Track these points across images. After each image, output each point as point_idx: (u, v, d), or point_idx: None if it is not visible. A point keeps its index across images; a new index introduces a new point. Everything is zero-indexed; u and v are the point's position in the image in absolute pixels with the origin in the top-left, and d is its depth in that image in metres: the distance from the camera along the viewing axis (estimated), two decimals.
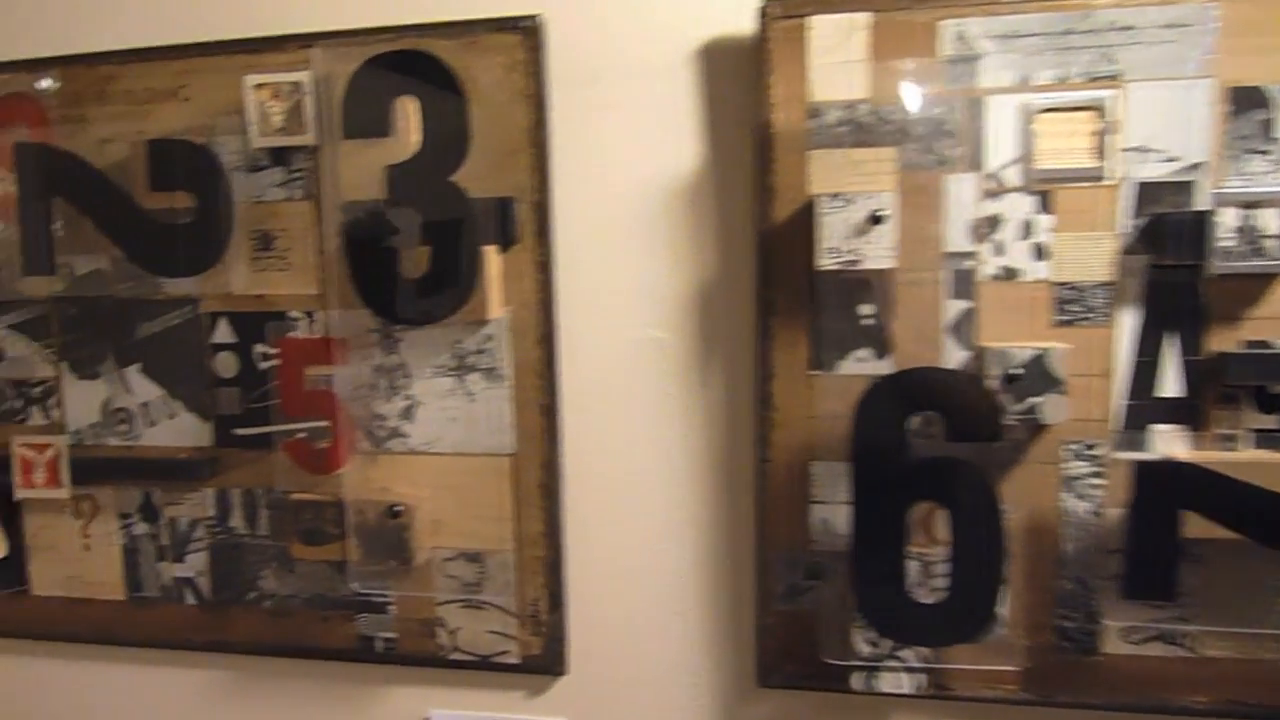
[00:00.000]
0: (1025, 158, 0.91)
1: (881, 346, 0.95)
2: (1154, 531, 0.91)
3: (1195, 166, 0.88)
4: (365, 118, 0.98)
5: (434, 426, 1.04)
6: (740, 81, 0.97)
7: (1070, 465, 0.93)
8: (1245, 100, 0.87)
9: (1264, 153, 0.87)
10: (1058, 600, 0.94)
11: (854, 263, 0.91)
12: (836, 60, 0.92)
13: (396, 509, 1.02)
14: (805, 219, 0.94)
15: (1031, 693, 0.96)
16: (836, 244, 0.92)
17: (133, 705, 1.18)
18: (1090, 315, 0.91)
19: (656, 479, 1.03)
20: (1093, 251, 0.91)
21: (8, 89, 1.09)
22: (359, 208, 1.00)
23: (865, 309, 0.95)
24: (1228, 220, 0.85)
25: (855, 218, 0.91)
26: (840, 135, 0.94)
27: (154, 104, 1.07)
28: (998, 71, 0.91)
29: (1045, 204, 0.91)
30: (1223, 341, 0.89)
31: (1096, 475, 0.92)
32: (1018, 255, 0.92)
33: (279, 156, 1.04)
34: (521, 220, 1.00)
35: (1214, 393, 0.90)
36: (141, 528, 1.13)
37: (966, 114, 0.91)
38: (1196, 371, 0.90)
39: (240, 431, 1.09)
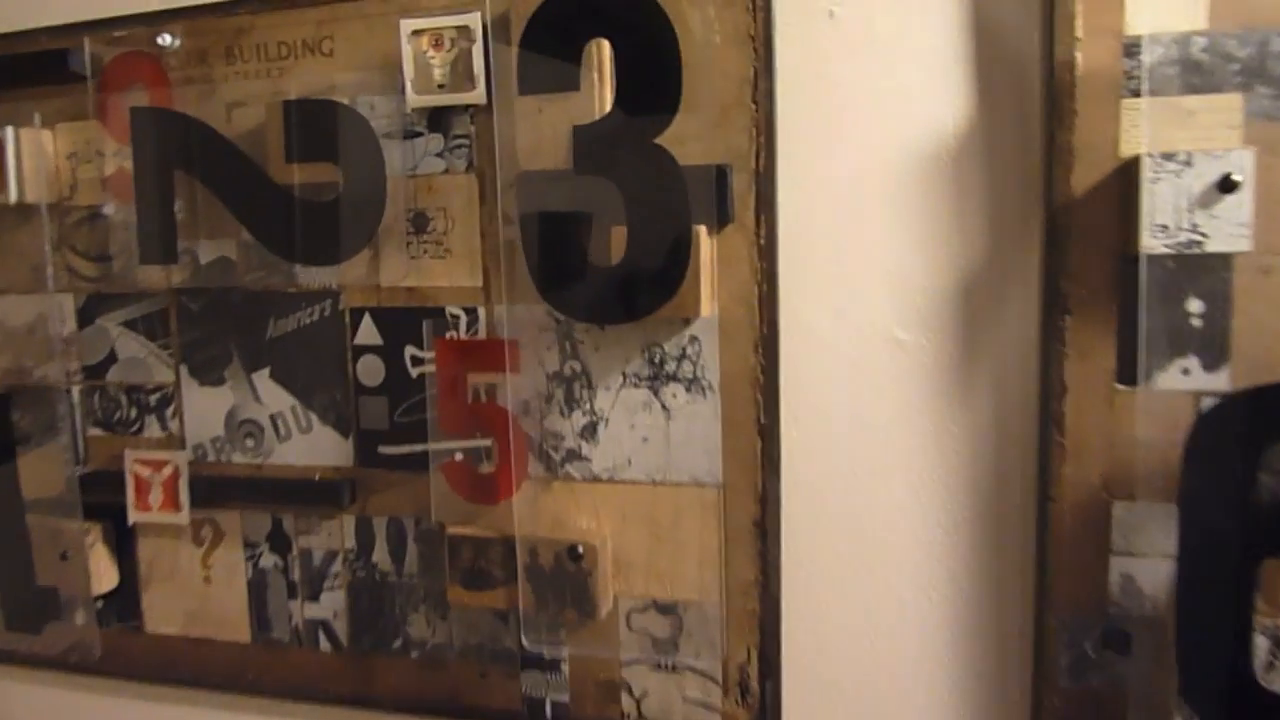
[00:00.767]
0: None
1: (1216, 354, 0.72)
2: None
3: None
4: (547, 68, 0.79)
5: (621, 448, 0.85)
6: (1026, 10, 0.75)
7: None
8: None
9: None
10: None
11: (1194, 244, 0.69)
12: None
13: (579, 550, 0.83)
14: (1118, 188, 0.72)
15: None
16: (1167, 220, 0.69)
17: None
18: None
19: (901, 519, 0.82)
20: None
21: (123, 47, 0.93)
22: (538, 179, 0.81)
23: (1194, 305, 0.73)
24: None
25: (1196, 186, 0.69)
26: (1167, 78, 0.71)
27: (292, 60, 0.90)
28: None
29: None
30: None
31: None
32: None
33: (436, 120, 0.86)
34: (738, 194, 0.79)
35: None
36: (270, 559, 0.97)
37: None
38: None
39: (386, 450, 0.91)
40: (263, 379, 0.95)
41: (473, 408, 0.86)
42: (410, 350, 0.90)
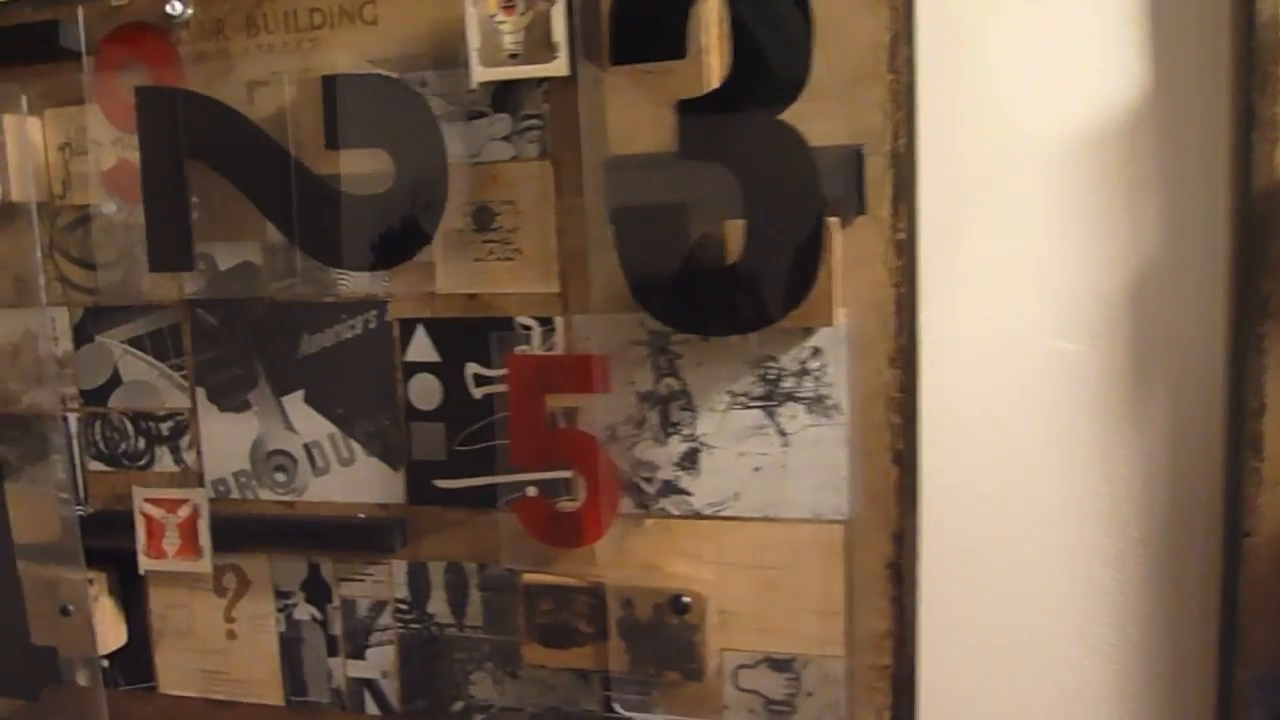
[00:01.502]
0: None
1: None
2: None
3: None
4: (647, 33, 0.66)
5: (728, 479, 0.72)
6: None
7: None
8: None
9: None
10: None
11: None
12: None
13: (684, 601, 0.70)
14: None
15: None
16: None
17: None
18: None
19: (1060, 560, 0.70)
20: None
21: (125, 18, 0.79)
22: (634, 165, 0.68)
23: None
24: None
25: None
26: None
27: (326, 30, 0.76)
28: None
29: None
30: None
31: None
32: None
33: (502, 97, 0.73)
34: (871, 180, 0.67)
35: None
36: (305, 611, 0.84)
37: None
38: None
39: (444, 484, 0.78)
40: (295, 403, 0.81)
41: (552, 435, 0.73)
42: (473, 368, 0.77)
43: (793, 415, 0.71)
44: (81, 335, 0.86)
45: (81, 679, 0.90)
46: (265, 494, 0.83)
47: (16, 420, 0.88)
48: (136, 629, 0.88)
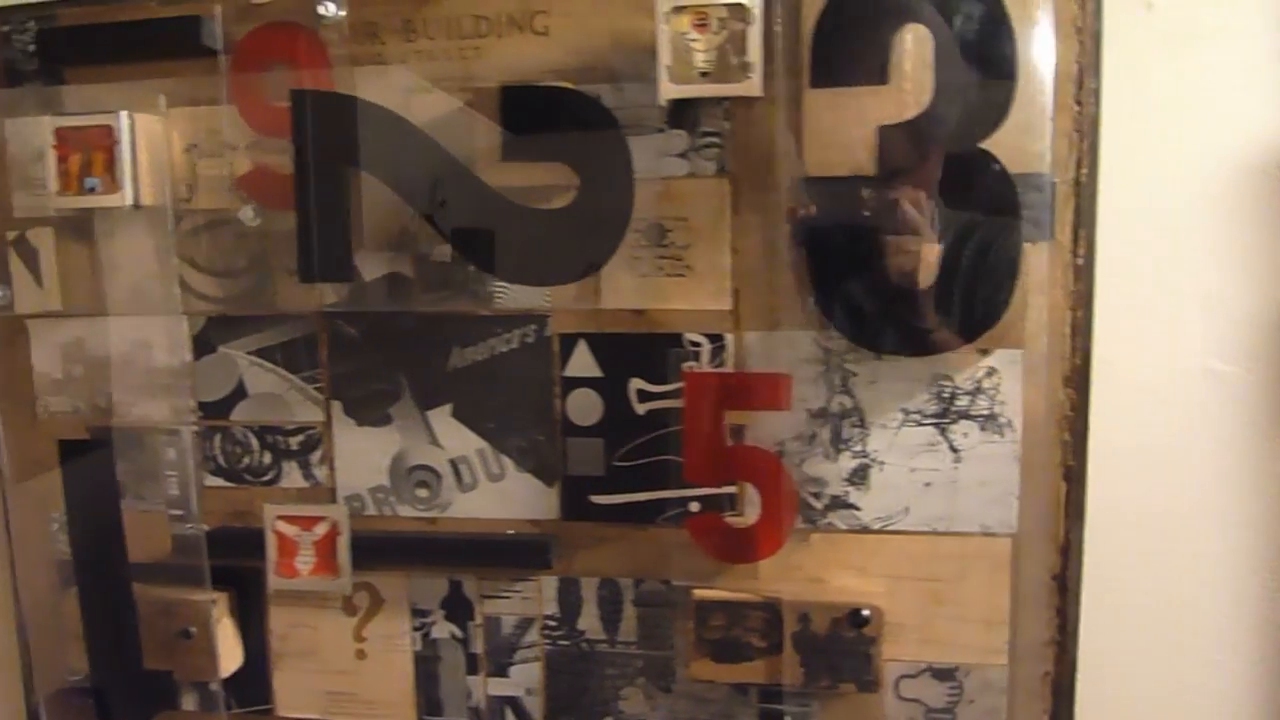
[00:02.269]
0: None
1: None
2: None
3: None
4: (850, 58, 0.67)
5: (898, 495, 0.74)
6: None
7: None
8: None
9: None
10: None
11: None
12: None
13: (864, 615, 0.72)
14: None
15: None
16: None
17: None
18: None
19: (1212, 568, 0.74)
20: None
21: (264, 16, 0.76)
22: (835, 186, 0.69)
23: None
24: None
25: None
26: None
27: (493, 38, 0.75)
28: None
29: None
30: None
31: None
32: None
33: (680, 115, 0.73)
34: (1054, 207, 0.70)
35: None
36: (444, 629, 0.82)
37: None
38: None
39: (602, 500, 0.78)
40: (442, 418, 0.80)
41: (729, 451, 0.74)
42: (637, 384, 0.76)
43: (965, 433, 0.73)
44: (202, 345, 0.82)
45: (188, 703, 0.86)
46: (405, 510, 0.81)
47: (124, 434, 0.83)
48: (252, 650, 0.85)
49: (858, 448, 0.74)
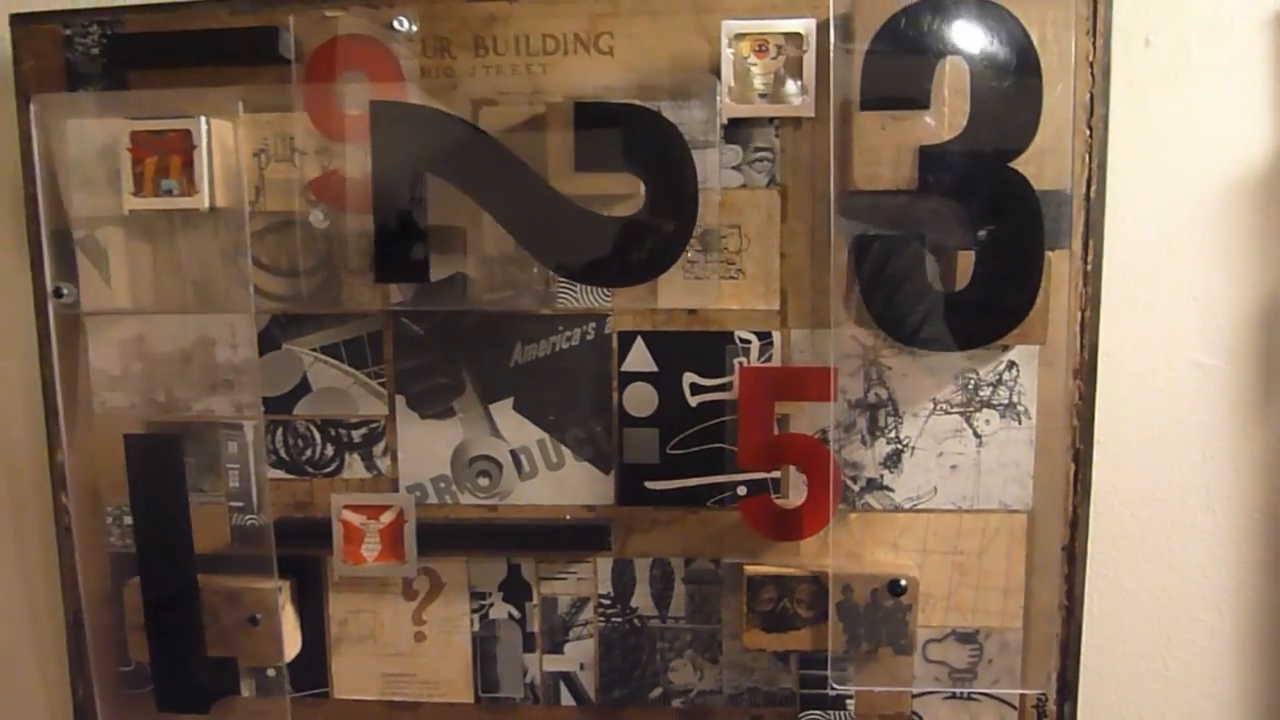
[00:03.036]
0: None
1: None
2: None
3: None
4: (897, 83, 0.75)
5: (928, 477, 0.82)
6: None
7: None
8: None
9: None
10: None
11: None
12: None
13: (901, 584, 0.80)
14: None
15: None
16: None
17: None
18: None
19: (1199, 539, 0.85)
20: None
21: (345, 29, 0.80)
22: (880, 200, 0.77)
23: None
24: None
25: None
26: None
27: (560, 56, 0.80)
28: None
29: None
30: None
31: None
32: None
33: (734, 131, 0.80)
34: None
35: None
36: (502, 610, 0.87)
37: None
38: None
39: (656, 485, 0.84)
40: (504, 410, 0.85)
41: (778, 439, 0.81)
42: (690, 377, 0.83)
43: (987, 420, 0.82)
44: (267, 342, 0.85)
45: (245, 689, 0.89)
46: (466, 499, 0.86)
47: (185, 429, 0.86)
48: (310, 636, 0.89)
49: (892, 434, 0.82)
